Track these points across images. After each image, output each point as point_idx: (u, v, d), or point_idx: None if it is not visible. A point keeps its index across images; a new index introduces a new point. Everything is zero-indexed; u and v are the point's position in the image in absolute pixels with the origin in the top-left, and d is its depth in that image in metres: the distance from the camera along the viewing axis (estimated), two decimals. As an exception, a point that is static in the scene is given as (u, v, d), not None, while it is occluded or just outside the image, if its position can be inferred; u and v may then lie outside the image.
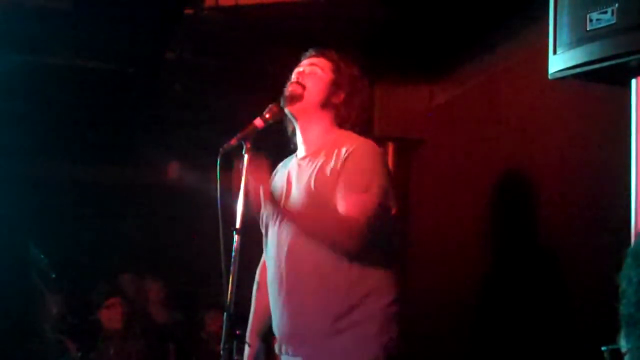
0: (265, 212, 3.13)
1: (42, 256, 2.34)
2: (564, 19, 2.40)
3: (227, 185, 2.79)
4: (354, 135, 3.06)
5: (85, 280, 6.18)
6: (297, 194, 3.02)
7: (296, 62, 3.24)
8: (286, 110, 3.09)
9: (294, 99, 3.06)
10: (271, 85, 3.28)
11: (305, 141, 3.12)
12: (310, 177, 2.99)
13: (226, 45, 5.05)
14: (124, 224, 7.25)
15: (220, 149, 2.82)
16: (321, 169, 2.98)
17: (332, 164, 2.96)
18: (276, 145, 3.28)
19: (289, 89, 3.09)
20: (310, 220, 2.97)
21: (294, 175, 3.10)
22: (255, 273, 3.31)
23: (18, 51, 4.88)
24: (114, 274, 6.54)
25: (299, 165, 3.10)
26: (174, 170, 7.01)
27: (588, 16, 2.31)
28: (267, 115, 2.95)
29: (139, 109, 6.18)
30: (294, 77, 3.13)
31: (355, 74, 3.15)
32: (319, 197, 2.94)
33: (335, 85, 3.09)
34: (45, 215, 6.38)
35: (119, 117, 6.18)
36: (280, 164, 3.28)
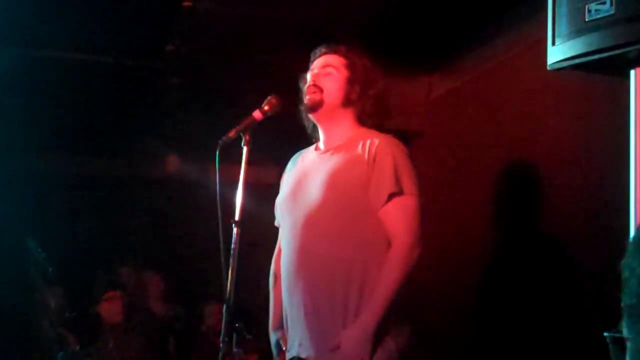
0: (281, 207, 3.13)
1: (39, 249, 2.33)
2: (563, 10, 2.40)
3: (226, 178, 2.79)
4: (376, 132, 3.07)
5: (85, 274, 6.17)
6: (315, 184, 3.00)
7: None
8: (310, 116, 3.12)
9: (316, 105, 3.07)
10: (271, 78, 3.27)
11: (328, 139, 3.13)
12: (332, 167, 2.99)
13: (225, 38, 5.04)
14: (123, 217, 7.24)
15: (219, 142, 2.83)
16: (343, 160, 2.99)
17: (356, 154, 2.97)
18: (275, 141, 3.27)
19: (307, 96, 3.08)
20: (392, 287, 2.87)
21: (311, 168, 3.09)
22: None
23: (16, 45, 4.87)
24: (114, 267, 6.53)
25: (319, 158, 3.10)
26: (172, 163, 7.01)
27: (587, 7, 2.31)
28: (265, 108, 2.95)
29: (138, 102, 6.16)
30: (309, 80, 3.11)
31: (367, 66, 3.14)
32: (339, 186, 2.95)
33: (351, 82, 3.09)
34: (44, 209, 6.36)
35: (117, 110, 6.17)
36: (296, 155, 3.28)
